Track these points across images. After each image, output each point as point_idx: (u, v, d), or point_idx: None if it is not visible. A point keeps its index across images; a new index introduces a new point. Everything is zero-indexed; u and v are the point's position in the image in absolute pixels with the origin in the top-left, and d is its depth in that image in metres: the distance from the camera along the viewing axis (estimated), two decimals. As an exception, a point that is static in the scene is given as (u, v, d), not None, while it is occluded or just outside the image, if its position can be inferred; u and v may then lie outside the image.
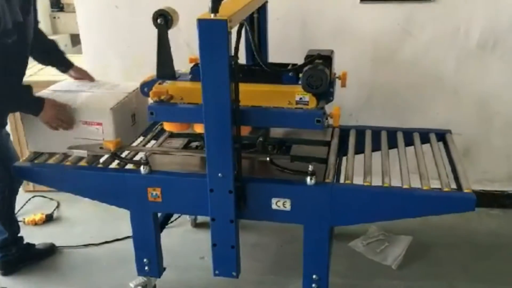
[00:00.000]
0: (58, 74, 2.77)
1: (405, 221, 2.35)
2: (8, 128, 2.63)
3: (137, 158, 2.41)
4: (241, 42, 1.97)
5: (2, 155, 2.48)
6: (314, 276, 2.20)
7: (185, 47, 2.96)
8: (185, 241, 2.99)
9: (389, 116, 3.05)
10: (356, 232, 2.94)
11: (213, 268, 2.24)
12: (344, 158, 2.45)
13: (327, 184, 2.09)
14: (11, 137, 2.73)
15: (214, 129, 1.96)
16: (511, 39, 2.88)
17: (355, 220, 2.17)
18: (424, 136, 2.52)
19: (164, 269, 2.45)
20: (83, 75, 2.66)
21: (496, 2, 2.82)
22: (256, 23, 2.48)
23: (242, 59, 2.17)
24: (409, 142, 2.48)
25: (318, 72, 1.97)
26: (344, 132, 2.57)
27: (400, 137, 2.50)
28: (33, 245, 2.85)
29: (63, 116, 2.29)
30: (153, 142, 2.63)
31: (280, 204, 2.10)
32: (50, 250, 2.91)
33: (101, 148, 2.28)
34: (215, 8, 1.80)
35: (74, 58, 4.07)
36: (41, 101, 2.29)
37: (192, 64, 2.27)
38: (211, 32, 1.80)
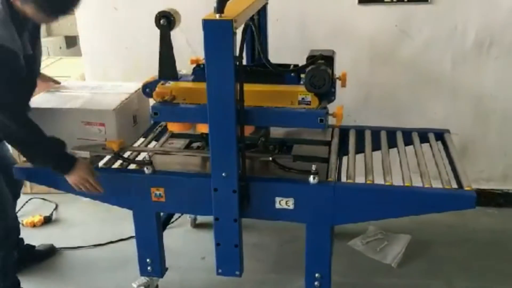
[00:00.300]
0: (57, 75, 2.77)
1: (403, 220, 2.37)
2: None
3: (139, 158, 2.43)
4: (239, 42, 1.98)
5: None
6: (316, 274, 2.22)
7: (185, 48, 2.97)
8: (185, 241, 2.99)
9: (387, 116, 3.08)
10: (355, 231, 2.96)
11: (216, 267, 2.25)
12: (344, 158, 2.48)
13: (330, 183, 2.11)
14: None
15: (218, 129, 1.98)
16: (506, 39, 2.93)
17: (357, 218, 2.19)
18: (423, 136, 2.55)
19: (166, 269, 2.46)
20: (48, 81, 2.59)
21: (492, 3, 2.87)
22: (257, 24, 2.50)
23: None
24: (408, 141, 2.51)
25: (321, 72, 2.00)
26: (343, 132, 2.59)
27: (399, 137, 2.53)
28: (33, 246, 2.85)
29: (92, 179, 2.17)
30: (154, 143, 2.64)
31: (284, 203, 2.12)
32: (50, 251, 2.90)
33: (103, 148, 2.28)
34: (220, 8, 1.81)
35: (68, 61, 4.10)
36: (73, 160, 2.14)
37: (193, 65, 2.29)
38: (217, 32, 1.82)
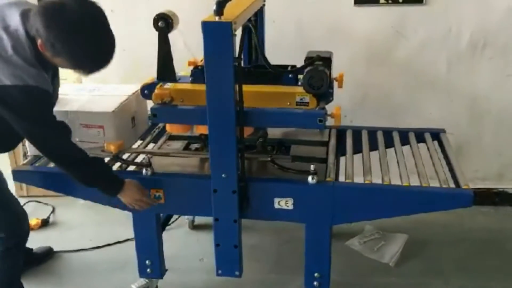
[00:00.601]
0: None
1: (400, 220, 2.40)
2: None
3: (137, 160, 2.43)
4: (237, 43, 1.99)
5: None
6: (315, 274, 2.24)
7: (183, 50, 2.98)
8: (183, 243, 3.00)
9: (383, 116, 3.10)
10: (352, 231, 2.98)
11: (216, 268, 2.26)
12: (342, 158, 2.50)
13: (329, 183, 2.13)
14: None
15: (218, 130, 1.99)
16: (500, 40, 2.96)
17: (356, 217, 2.21)
18: (419, 136, 2.57)
19: (166, 270, 2.47)
20: None
21: (486, 4, 2.90)
22: (254, 25, 2.51)
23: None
24: (404, 141, 2.53)
25: (319, 73, 2.01)
26: (340, 133, 2.61)
27: (396, 137, 2.55)
28: (31, 249, 2.84)
29: (144, 196, 2.17)
30: (152, 144, 2.64)
31: (283, 203, 2.13)
32: (48, 254, 2.90)
33: (102, 150, 2.28)
34: (219, 10, 1.83)
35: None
36: (122, 181, 2.13)
37: (191, 67, 2.30)
38: (216, 34, 1.83)
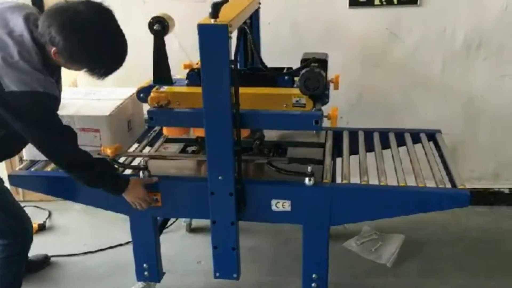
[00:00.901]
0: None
1: (396, 220, 2.40)
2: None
3: (134, 163, 2.43)
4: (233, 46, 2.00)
5: None
6: (313, 275, 2.24)
7: (178, 53, 2.98)
8: (181, 246, 3.00)
9: (379, 117, 3.11)
10: (350, 232, 2.99)
11: (213, 270, 2.26)
12: (338, 159, 2.51)
13: (326, 184, 2.13)
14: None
15: (214, 133, 1.99)
16: (494, 40, 2.97)
17: (354, 218, 2.22)
18: (415, 137, 2.58)
19: (163, 274, 2.46)
20: None
21: (480, 5, 2.92)
22: (249, 27, 2.52)
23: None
24: (400, 142, 2.54)
25: (315, 74, 2.02)
26: (337, 134, 2.62)
27: (392, 138, 2.56)
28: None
29: (147, 196, 2.18)
30: (148, 148, 2.64)
31: (280, 205, 2.13)
32: (44, 262, 2.88)
33: (99, 154, 2.28)
34: (215, 13, 1.83)
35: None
36: (127, 179, 2.15)
37: (186, 70, 2.30)
38: (212, 37, 1.83)
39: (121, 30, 1.97)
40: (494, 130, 3.17)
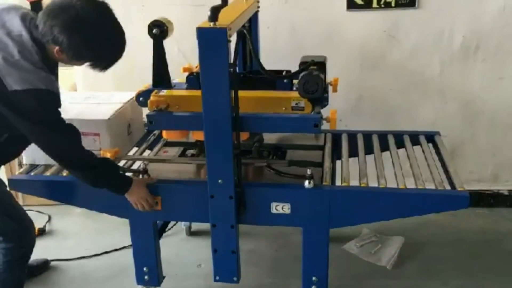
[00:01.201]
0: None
1: (396, 222, 2.40)
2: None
3: (134, 167, 2.43)
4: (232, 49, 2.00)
5: None
6: (313, 278, 2.24)
7: (177, 57, 2.98)
8: (181, 249, 3.00)
9: (377, 120, 3.12)
10: (349, 235, 2.99)
11: (213, 274, 2.26)
12: (338, 162, 2.51)
13: (325, 186, 2.14)
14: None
15: (214, 136, 1.99)
16: (492, 42, 2.99)
17: (353, 221, 2.21)
18: (414, 138, 2.59)
19: (163, 277, 2.46)
20: None
21: (478, 7, 2.93)
22: (248, 31, 2.53)
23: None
24: (400, 144, 2.55)
25: (314, 77, 2.02)
26: (336, 137, 2.62)
27: (391, 140, 2.57)
28: None
29: (149, 197, 2.18)
30: (148, 151, 2.64)
31: (280, 208, 2.14)
32: (44, 266, 2.87)
33: (99, 158, 2.28)
34: (214, 17, 1.83)
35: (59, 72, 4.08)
36: (130, 179, 2.15)
37: (185, 73, 2.31)
38: (211, 40, 1.84)
39: (118, 21, 2.00)
40: (493, 132, 3.18)
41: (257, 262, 2.84)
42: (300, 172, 2.19)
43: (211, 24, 1.84)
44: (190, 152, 2.56)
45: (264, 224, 2.31)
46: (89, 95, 2.59)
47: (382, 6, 2.95)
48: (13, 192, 2.39)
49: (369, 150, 2.49)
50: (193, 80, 2.21)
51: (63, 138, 2.00)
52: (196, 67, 2.25)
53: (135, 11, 3.06)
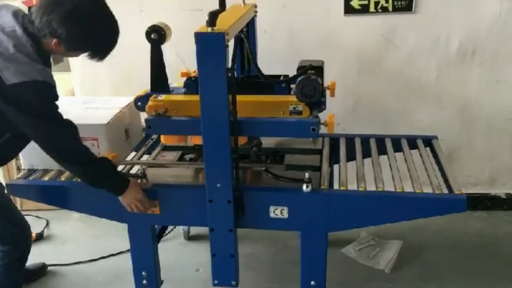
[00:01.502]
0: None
1: (394, 226, 2.42)
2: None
3: (132, 172, 2.44)
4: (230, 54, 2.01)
5: None
6: (312, 282, 2.24)
7: (175, 61, 2.99)
8: (179, 254, 3.00)
9: (375, 124, 3.13)
10: (348, 239, 2.99)
11: (212, 278, 2.26)
12: (336, 166, 2.52)
13: (323, 190, 2.14)
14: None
15: (212, 140, 2.00)
16: (489, 46, 3.00)
17: (351, 225, 2.22)
18: (411, 142, 2.60)
19: (162, 282, 2.46)
20: None
21: (474, 12, 2.94)
22: (245, 36, 2.54)
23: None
24: (397, 148, 2.56)
25: (311, 82, 2.03)
26: (334, 141, 2.63)
27: (388, 144, 2.57)
28: None
29: (144, 198, 2.17)
30: (146, 156, 2.64)
31: (278, 212, 2.14)
32: (41, 271, 2.87)
33: (97, 162, 2.28)
34: (212, 21, 1.84)
35: (56, 76, 4.08)
36: (127, 180, 2.14)
37: (183, 78, 2.31)
38: (209, 45, 1.84)
39: (111, 11, 2.03)
40: (490, 136, 3.19)
41: (256, 266, 2.84)
42: (298, 176, 2.19)
43: (209, 29, 1.84)
44: (188, 156, 2.56)
45: (262, 228, 2.31)
46: (87, 100, 2.60)
47: (379, 10, 2.96)
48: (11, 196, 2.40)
49: (367, 154, 2.50)
50: (191, 85, 2.21)
51: (60, 131, 2.00)
52: (194, 71, 2.25)
53: (133, 16, 3.07)
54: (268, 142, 2.56)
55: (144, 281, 2.38)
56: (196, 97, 1.97)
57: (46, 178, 2.35)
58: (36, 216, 3.43)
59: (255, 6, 2.57)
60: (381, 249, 2.93)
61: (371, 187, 2.16)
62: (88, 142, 2.29)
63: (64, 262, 2.95)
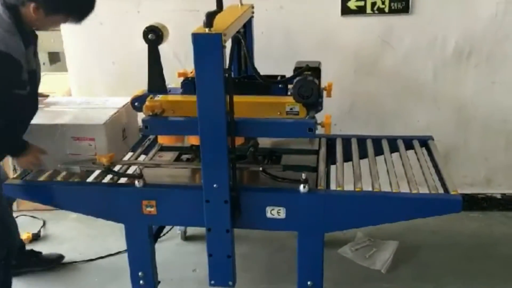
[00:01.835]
0: (43, 92, 2.77)
1: (390, 226, 2.43)
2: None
3: (129, 172, 2.44)
4: (227, 55, 2.01)
5: None
6: (308, 282, 2.24)
7: (172, 61, 3.00)
8: (176, 254, 3.00)
9: (372, 124, 3.14)
10: (344, 239, 3.00)
11: (209, 278, 2.26)
12: (332, 166, 2.53)
13: (320, 191, 2.15)
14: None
15: (209, 141, 2.00)
16: (485, 47, 3.02)
17: (348, 225, 2.23)
18: (408, 143, 2.60)
19: (159, 282, 2.46)
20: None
21: (470, 13, 2.96)
22: (243, 36, 2.54)
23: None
24: (393, 149, 2.57)
25: (308, 82, 2.03)
26: (330, 141, 2.64)
27: (385, 145, 2.58)
28: (39, 252, 2.88)
29: (38, 160, 2.25)
30: (143, 156, 2.65)
31: (275, 212, 2.14)
32: (54, 260, 2.91)
33: (94, 163, 2.28)
34: (209, 22, 1.85)
35: (53, 76, 4.09)
36: (26, 145, 2.18)
37: (181, 78, 2.32)
38: (206, 46, 1.85)
39: None
40: (485, 136, 3.21)
41: (252, 266, 2.84)
42: (295, 176, 2.20)
43: (206, 29, 1.85)
44: (185, 156, 2.56)
45: (259, 228, 2.31)
46: (84, 100, 2.59)
47: (376, 12, 2.98)
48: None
49: (363, 154, 2.51)
50: (188, 85, 2.22)
51: None
52: (191, 72, 2.26)
53: (130, 16, 3.07)
54: (265, 142, 2.56)
55: (141, 282, 2.38)
56: (193, 98, 1.97)
57: (42, 178, 2.35)
58: (33, 217, 3.43)
59: (252, 7, 2.57)
60: (377, 249, 2.94)
61: (367, 188, 2.17)
62: (85, 142, 2.29)
63: (62, 262, 2.95)
